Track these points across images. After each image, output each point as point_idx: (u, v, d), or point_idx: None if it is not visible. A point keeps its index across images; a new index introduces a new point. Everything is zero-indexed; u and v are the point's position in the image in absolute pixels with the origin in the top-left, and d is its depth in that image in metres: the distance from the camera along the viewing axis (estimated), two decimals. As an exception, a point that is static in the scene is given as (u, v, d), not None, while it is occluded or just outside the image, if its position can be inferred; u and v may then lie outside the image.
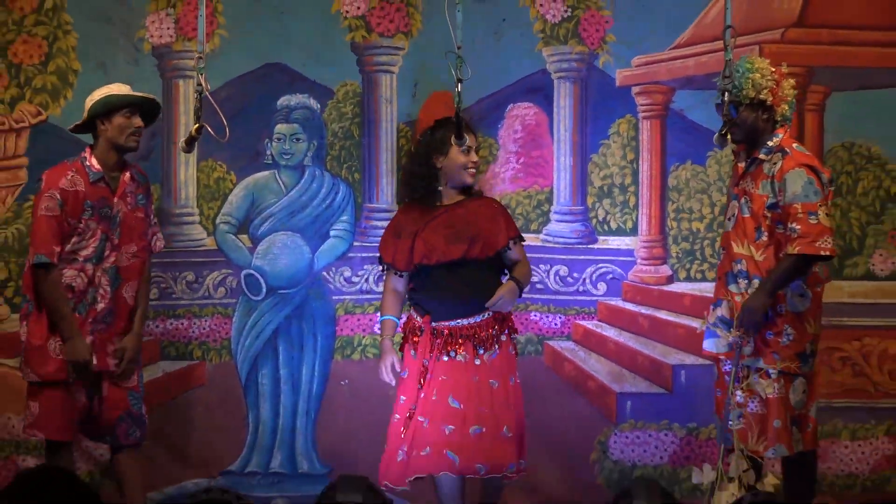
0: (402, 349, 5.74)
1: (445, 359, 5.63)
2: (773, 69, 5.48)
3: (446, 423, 5.58)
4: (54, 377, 5.55)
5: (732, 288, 5.52)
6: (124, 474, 5.75)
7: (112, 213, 5.61)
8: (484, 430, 5.61)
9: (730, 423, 5.49)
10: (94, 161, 5.61)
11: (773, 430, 5.46)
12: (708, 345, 5.60)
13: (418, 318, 5.69)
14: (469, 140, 5.66)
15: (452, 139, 5.63)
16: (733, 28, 5.17)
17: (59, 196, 5.55)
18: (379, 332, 5.89)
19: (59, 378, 5.55)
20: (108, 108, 5.59)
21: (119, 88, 5.66)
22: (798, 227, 5.33)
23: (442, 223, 5.64)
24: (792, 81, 5.55)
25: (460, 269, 5.63)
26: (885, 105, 6.51)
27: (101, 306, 5.62)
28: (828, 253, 5.34)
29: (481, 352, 5.66)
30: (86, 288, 5.60)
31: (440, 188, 5.69)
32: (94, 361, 5.57)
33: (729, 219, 5.59)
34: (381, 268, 5.79)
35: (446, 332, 5.65)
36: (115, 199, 5.63)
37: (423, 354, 5.64)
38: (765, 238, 5.47)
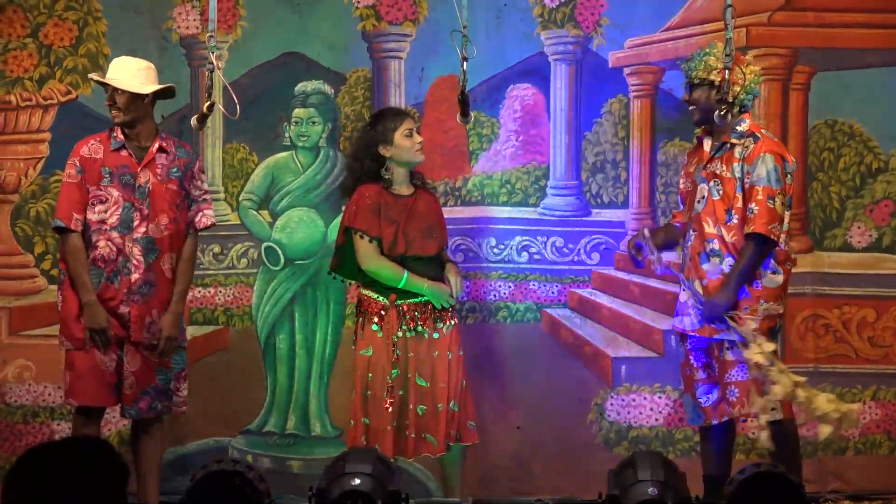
0: (360, 328, 5.37)
1: (411, 335, 5.30)
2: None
3: (419, 402, 5.29)
4: (80, 344, 5.05)
5: (706, 266, 5.09)
6: (141, 448, 5.23)
7: (136, 183, 5.08)
8: (443, 406, 5.32)
9: (701, 400, 5.13)
10: (118, 131, 5.13)
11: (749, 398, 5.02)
12: (686, 323, 5.16)
13: (381, 299, 5.32)
14: (409, 122, 5.36)
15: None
16: (733, 8, 4.80)
17: (78, 163, 5.09)
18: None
19: (89, 345, 5.05)
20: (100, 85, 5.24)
21: (121, 64, 5.23)
22: (756, 207, 4.96)
23: (415, 217, 5.34)
24: (755, 69, 5.18)
25: (423, 257, 5.36)
26: (868, 84, 6.11)
27: (134, 277, 5.07)
28: (775, 239, 4.97)
29: (439, 325, 5.34)
30: (116, 257, 5.05)
31: (388, 175, 5.35)
32: (129, 333, 5.05)
33: (699, 201, 5.15)
34: (362, 237, 5.31)
35: (412, 308, 5.31)
36: (140, 169, 5.09)
37: (390, 332, 5.29)
38: (735, 220, 5.06)
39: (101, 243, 5.01)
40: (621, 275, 6.12)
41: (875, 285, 6.10)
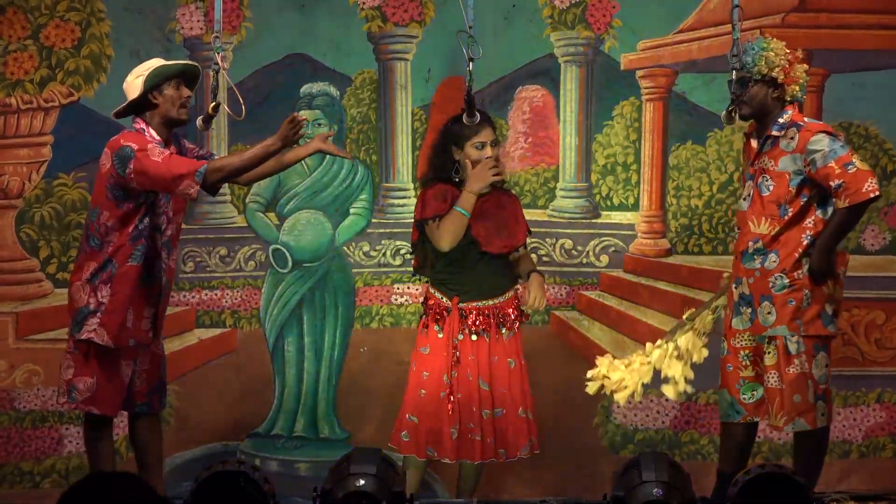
0: (422, 325, 5.38)
1: (474, 338, 5.29)
2: (788, 51, 5.08)
3: (483, 406, 5.28)
4: (120, 343, 4.94)
5: (747, 266, 5.09)
6: (146, 443, 5.22)
7: None
8: (505, 411, 5.32)
9: (743, 397, 5.12)
10: (153, 133, 4.96)
11: (791, 404, 5.01)
12: (735, 322, 5.14)
13: (444, 300, 5.32)
14: (484, 134, 5.28)
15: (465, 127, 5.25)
16: (740, 9, 4.83)
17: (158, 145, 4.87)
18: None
19: (122, 345, 4.95)
20: (160, 78, 4.97)
21: (158, 62, 5.09)
22: (841, 181, 4.91)
23: (482, 215, 5.29)
24: (805, 66, 5.15)
25: (488, 255, 5.30)
26: (882, 86, 6.11)
27: (164, 279, 5.06)
28: (876, 194, 4.93)
29: (503, 330, 5.33)
30: (153, 261, 5.00)
31: (457, 178, 5.32)
32: (154, 334, 5.07)
33: (744, 198, 5.14)
34: (434, 221, 5.29)
35: (474, 311, 5.30)
36: None
37: (451, 334, 5.28)
38: (790, 214, 5.03)
39: (141, 245, 4.92)
40: (630, 277, 6.14)
41: (885, 288, 6.11)
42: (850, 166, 4.88)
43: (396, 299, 6.13)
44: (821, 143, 4.92)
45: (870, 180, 4.88)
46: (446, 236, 5.23)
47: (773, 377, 5.01)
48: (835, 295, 5.06)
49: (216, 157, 5.09)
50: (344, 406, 6.16)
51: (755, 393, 5.08)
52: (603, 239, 6.17)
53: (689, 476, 3.67)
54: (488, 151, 5.26)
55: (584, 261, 6.17)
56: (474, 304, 5.28)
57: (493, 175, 5.24)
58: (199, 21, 6.09)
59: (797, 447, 5.19)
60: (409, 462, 5.28)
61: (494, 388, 5.29)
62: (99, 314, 4.93)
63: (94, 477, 3.05)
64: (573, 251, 6.17)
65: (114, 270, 4.94)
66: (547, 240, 6.12)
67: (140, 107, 4.99)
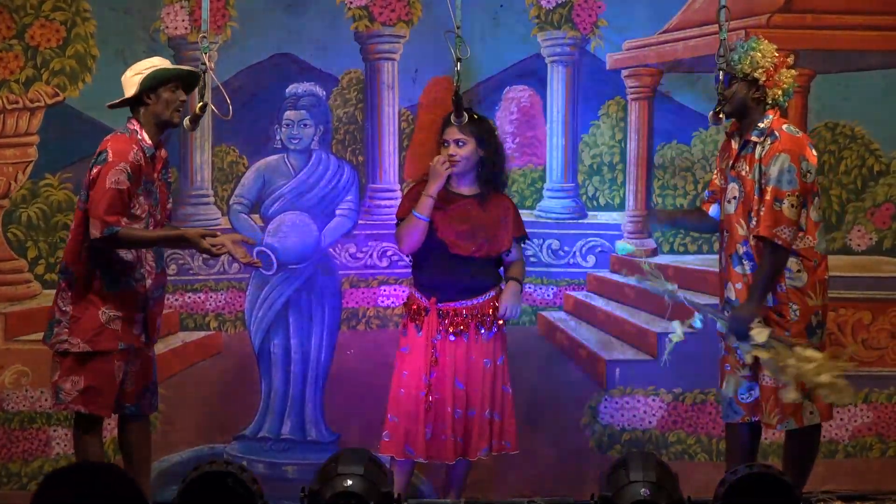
0: (403, 326, 5.46)
1: (452, 338, 5.35)
2: (777, 54, 5.10)
3: (456, 406, 5.32)
4: (105, 347, 4.97)
5: (738, 269, 5.10)
6: (134, 445, 5.23)
7: (153, 190, 5.05)
8: (475, 412, 5.37)
9: (741, 397, 5.14)
10: (145, 136, 5.00)
11: (784, 403, 5.01)
12: (719, 325, 5.18)
13: (423, 300, 5.38)
14: (448, 132, 5.36)
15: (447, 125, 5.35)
16: (727, 9, 4.88)
17: (129, 170, 4.90)
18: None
19: (109, 348, 4.98)
20: (157, 81, 4.99)
21: (162, 62, 5.12)
22: (762, 209, 4.95)
23: (457, 217, 5.37)
24: (793, 72, 5.16)
25: (462, 257, 5.36)
26: (868, 86, 6.14)
27: (149, 283, 5.07)
28: (780, 243, 4.92)
29: (482, 330, 5.39)
30: (135, 264, 5.02)
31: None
32: (145, 338, 5.08)
33: (729, 201, 5.14)
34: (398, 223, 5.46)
35: (451, 311, 5.36)
36: (155, 176, 5.06)
37: (429, 334, 5.35)
38: (755, 223, 5.04)
39: (122, 250, 4.95)
40: (616, 277, 6.14)
41: (872, 288, 6.14)
42: (777, 203, 4.90)
43: (383, 301, 6.14)
44: (779, 164, 4.92)
45: (783, 227, 4.89)
46: (404, 239, 5.37)
47: (767, 375, 5.02)
48: (819, 304, 5.07)
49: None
50: (331, 409, 6.16)
51: (752, 392, 5.10)
52: (589, 239, 6.18)
53: (677, 476, 3.68)
54: (450, 149, 5.34)
55: (571, 261, 6.19)
56: (452, 304, 5.34)
57: (445, 169, 5.30)
58: (184, 21, 6.08)
59: (787, 446, 5.21)
60: (396, 462, 5.30)
61: (470, 388, 5.34)
62: (64, 323, 4.99)
63: (79, 466, 3.06)
64: (560, 251, 6.18)
65: (72, 279, 4.99)
66: (534, 240, 6.11)
67: (135, 102, 5.03)
